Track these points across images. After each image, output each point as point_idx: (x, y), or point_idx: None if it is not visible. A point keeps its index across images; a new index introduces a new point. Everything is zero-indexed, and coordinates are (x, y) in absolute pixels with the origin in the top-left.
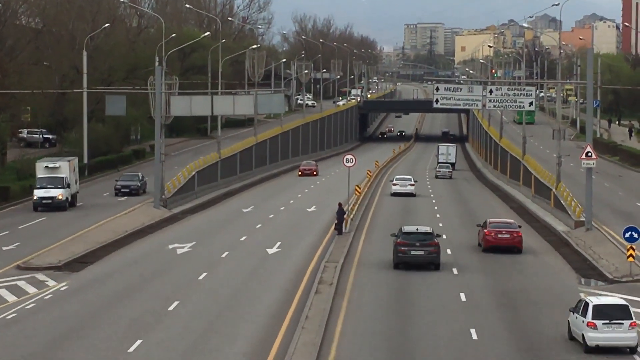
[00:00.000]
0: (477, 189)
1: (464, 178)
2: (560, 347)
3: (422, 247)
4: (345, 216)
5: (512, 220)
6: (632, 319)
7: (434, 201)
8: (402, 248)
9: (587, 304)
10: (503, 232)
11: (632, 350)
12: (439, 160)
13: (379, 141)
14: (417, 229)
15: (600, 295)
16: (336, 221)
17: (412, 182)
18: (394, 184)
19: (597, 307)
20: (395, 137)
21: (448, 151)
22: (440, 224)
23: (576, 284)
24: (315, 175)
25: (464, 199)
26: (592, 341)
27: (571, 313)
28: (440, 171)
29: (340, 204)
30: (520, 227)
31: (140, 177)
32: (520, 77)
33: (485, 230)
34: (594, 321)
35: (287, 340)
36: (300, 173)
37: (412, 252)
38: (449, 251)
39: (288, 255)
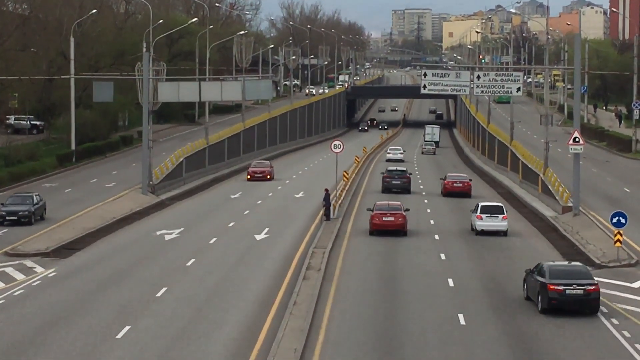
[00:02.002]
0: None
1: (452, 165)
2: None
3: (399, 178)
4: (333, 202)
5: (465, 175)
6: (504, 214)
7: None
8: (387, 179)
9: (477, 205)
10: (457, 183)
11: (504, 233)
12: (425, 139)
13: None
14: (396, 168)
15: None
16: (324, 207)
17: (402, 151)
18: (388, 153)
19: (482, 206)
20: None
21: (433, 131)
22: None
23: None
24: (269, 179)
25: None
26: (479, 227)
27: (471, 213)
28: (425, 148)
29: (326, 190)
30: (471, 180)
31: (36, 200)
32: (508, 63)
33: (445, 181)
34: (481, 215)
35: (275, 326)
36: (249, 177)
37: (393, 182)
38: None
39: (276, 241)
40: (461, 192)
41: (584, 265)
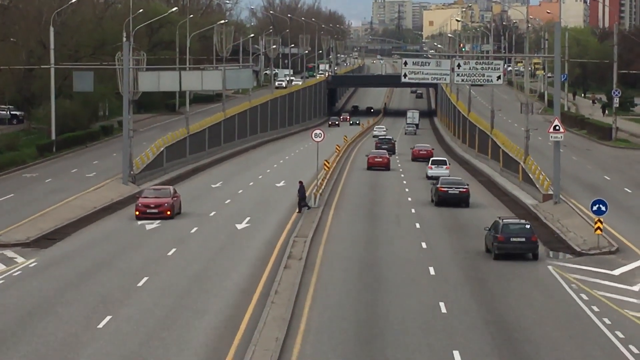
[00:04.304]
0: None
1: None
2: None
3: (387, 144)
4: (314, 191)
5: (429, 145)
6: (447, 165)
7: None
8: (378, 144)
9: (430, 159)
10: (422, 150)
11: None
12: (407, 122)
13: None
14: (385, 136)
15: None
16: (298, 199)
17: (385, 129)
18: (374, 131)
19: (432, 160)
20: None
21: (413, 115)
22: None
23: (544, 256)
24: (169, 215)
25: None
26: (429, 174)
27: (426, 166)
28: (407, 129)
29: (300, 182)
30: (433, 149)
31: None
32: (488, 51)
33: (413, 150)
34: (431, 165)
35: (256, 315)
36: (137, 213)
37: (382, 147)
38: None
39: (257, 230)
40: (425, 158)
41: (462, 179)
